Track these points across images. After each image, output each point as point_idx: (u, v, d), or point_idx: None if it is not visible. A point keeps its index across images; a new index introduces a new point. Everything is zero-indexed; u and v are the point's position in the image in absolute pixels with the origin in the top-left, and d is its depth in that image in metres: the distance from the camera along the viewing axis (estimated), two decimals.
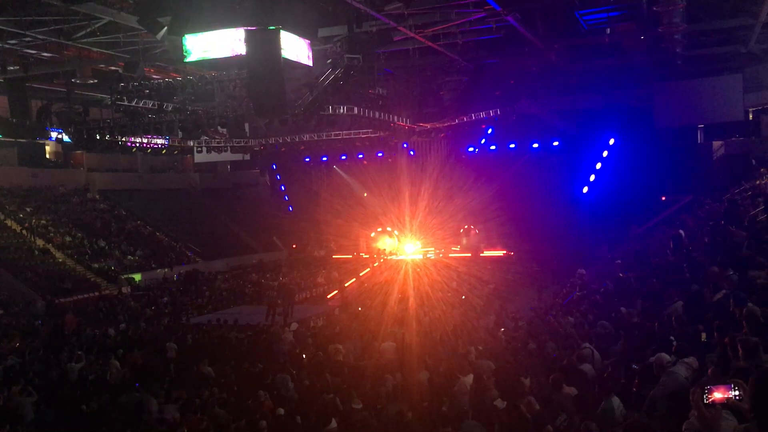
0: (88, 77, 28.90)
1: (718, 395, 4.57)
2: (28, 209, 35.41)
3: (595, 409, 7.35)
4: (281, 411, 10.46)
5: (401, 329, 16.59)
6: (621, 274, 17.93)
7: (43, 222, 34.82)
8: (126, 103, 25.44)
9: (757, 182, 21.82)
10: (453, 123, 32.78)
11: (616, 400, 7.25)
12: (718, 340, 7.45)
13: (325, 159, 41.45)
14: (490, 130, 36.32)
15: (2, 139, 35.02)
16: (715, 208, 20.26)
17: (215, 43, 19.33)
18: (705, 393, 4.61)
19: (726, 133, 32.72)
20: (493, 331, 17.01)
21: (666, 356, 7.32)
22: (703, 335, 8.13)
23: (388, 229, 38.64)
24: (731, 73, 29.50)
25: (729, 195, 20.84)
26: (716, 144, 33.19)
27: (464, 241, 37.18)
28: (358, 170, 40.64)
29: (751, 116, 31.70)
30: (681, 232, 17.79)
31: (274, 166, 45.51)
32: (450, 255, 35.06)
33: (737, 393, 4.58)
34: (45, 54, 26.14)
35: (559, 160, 34.96)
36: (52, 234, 34.08)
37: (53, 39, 23.49)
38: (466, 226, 36.91)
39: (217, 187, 48.70)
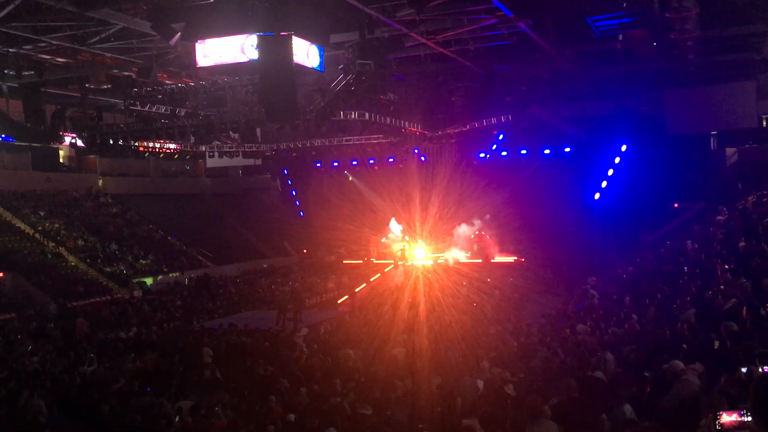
0: (101, 82, 29.13)
1: (728, 419, 4.51)
2: (41, 213, 35.69)
3: (607, 416, 7.30)
4: (291, 417, 10.44)
5: (412, 335, 16.55)
6: (633, 281, 17.85)
7: (56, 226, 35.07)
8: (139, 108, 25.64)
9: None
10: (464, 129, 32.72)
11: (627, 408, 7.21)
12: (730, 348, 7.41)
13: (336, 164, 41.48)
14: (501, 136, 36.22)
15: (17, 143, 35.37)
16: (727, 216, 20.13)
17: (228, 49, 19.46)
18: (716, 419, 4.55)
19: (739, 140, 32.51)
20: (504, 338, 16.93)
21: (680, 363, 7.29)
22: (716, 342, 8.09)
23: (399, 234, 38.56)
24: (745, 80, 29.29)
25: (742, 203, 20.69)
26: (729, 151, 32.96)
27: (474, 247, 37.01)
28: (369, 176, 40.65)
29: (764, 123, 31.49)
30: (689, 242, 17.68)
31: (286, 171, 45.58)
32: (461, 261, 34.94)
33: (750, 419, 4.52)
34: (59, 59, 26.33)
35: (571, 166, 34.72)
36: (64, 238, 34.32)
37: (68, 44, 23.67)
38: (477, 232, 36.76)
39: (229, 192, 48.90)
